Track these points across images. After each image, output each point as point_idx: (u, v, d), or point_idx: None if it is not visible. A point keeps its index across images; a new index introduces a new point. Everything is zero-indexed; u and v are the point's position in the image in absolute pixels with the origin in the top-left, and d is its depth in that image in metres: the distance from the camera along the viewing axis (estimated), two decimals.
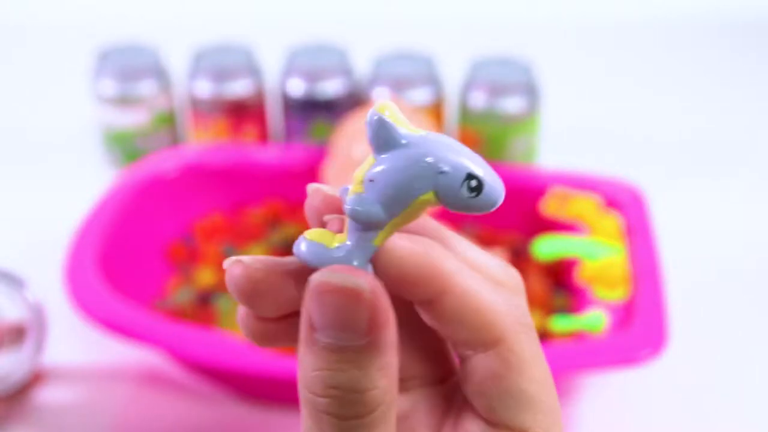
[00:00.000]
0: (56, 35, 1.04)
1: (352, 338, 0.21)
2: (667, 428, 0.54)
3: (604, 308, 0.55)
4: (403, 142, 0.22)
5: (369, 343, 0.22)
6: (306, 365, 0.22)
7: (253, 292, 0.23)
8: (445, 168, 0.22)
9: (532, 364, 0.24)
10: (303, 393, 0.23)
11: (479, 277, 0.24)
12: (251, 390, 0.55)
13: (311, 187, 0.25)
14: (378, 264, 0.23)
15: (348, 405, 0.22)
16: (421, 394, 0.26)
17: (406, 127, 0.22)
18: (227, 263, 0.24)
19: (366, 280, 0.21)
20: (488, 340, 0.24)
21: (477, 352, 0.24)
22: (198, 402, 0.55)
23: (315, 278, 0.22)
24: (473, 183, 0.22)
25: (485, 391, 0.24)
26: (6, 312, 0.54)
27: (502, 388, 0.24)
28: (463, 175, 0.22)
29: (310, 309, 0.22)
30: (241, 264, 0.23)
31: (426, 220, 0.25)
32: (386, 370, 0.22)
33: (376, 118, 0.22)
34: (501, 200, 0.22)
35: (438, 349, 0.27)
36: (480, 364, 0.24)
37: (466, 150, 0.22)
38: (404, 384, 0.26)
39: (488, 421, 0.24)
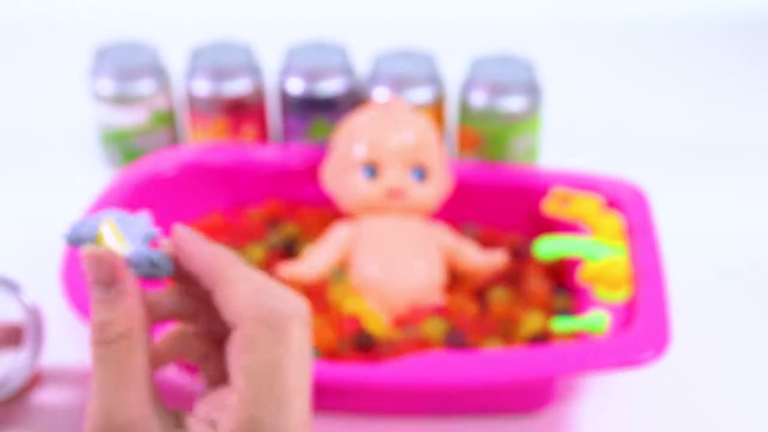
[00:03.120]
0: (53, 33, 1.04)
1: (101, 291, 0.30)
2: (669, 430, 0.54)
3: (605, 309, 0.54)
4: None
5: (113, 295, 0.30)
6: None
7: None
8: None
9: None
10: None
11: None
12: None
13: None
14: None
15: (96, 333, 0.30)
16: None
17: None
18: None
19: (99, 252, 0.31)
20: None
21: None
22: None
23: (82, 251, 0.31)
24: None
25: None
26: (3, 316, 0.53)
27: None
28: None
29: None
30: None
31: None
32: (127, 314, 0.30)
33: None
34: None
35: None
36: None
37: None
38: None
39: None
